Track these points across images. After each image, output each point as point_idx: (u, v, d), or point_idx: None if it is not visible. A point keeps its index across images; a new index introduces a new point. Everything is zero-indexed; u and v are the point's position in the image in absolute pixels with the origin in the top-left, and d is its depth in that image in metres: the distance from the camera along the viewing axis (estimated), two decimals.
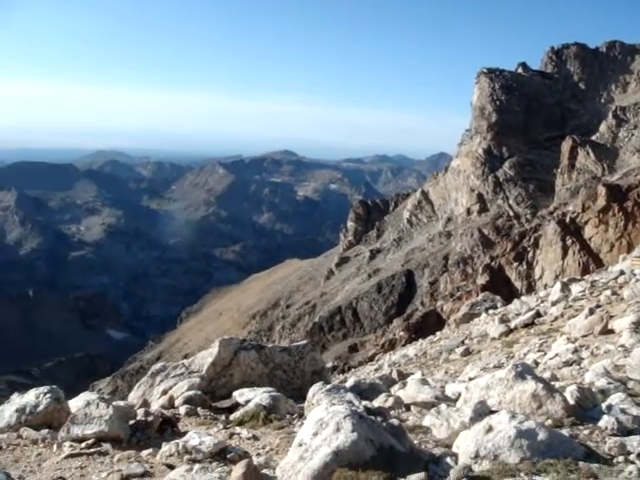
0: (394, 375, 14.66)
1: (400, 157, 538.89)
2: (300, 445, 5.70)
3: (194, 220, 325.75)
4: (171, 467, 6.28)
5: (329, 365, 59.49)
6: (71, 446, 7.06)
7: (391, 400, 9.00)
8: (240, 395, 9.71)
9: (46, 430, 7.78)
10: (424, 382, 10.29)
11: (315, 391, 8.05)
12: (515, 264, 68.40)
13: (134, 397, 11.36)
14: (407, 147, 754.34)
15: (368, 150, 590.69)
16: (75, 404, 8.49)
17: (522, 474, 5.08)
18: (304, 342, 12.88)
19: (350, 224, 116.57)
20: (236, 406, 9.37)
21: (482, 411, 6.71)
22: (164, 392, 10.88)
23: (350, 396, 7.18)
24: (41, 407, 8.17)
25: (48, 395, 8.36)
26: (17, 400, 8.45)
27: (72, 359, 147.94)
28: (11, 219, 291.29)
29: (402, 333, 63.47)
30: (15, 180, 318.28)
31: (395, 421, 6.40)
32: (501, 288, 57.19)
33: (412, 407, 8.80)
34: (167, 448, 6.79)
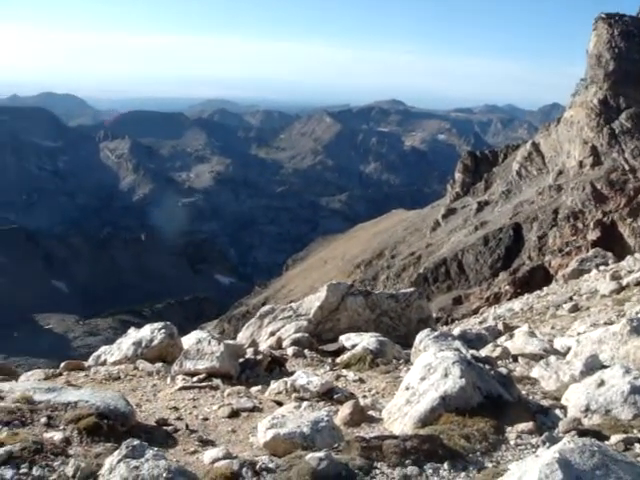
0: (500, 327, 14.50)
1: (510, 107, 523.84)
2: (407, 389, 5.75)
3: (301, 169, 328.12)
4: (279, 404, 6.47)
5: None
6: (184, 379, 7.38)
7: (498, 350, 8.93)
8: (347, 339, 9.84)
9: (160, 363, 8.16)
10: (532, 334, 10.15)
11: (422, 337, 8.06)
12: (629, 220, 66.09)
13: (243, 337, 11.70)
14: (518, 97, 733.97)
15: (478, 100, 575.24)
16: (187, 341, 8.81)
17: (635, 431, 4.97)
18: (411, 289, 12.87)
19: (458, 175, 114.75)
20: (342, 350, 9.50)
21: (593, 365, 6.58)
22: (272, 333, 11.15)
23: (458, 343, 7.15)
24: (156, 342, 8.55)
25: (162, 331, 8.73)
26: (134, 334, 8.87)
27: (181, 301, 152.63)
28: (125, 166, 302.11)
29: (508, 287, 62.71)
30: (129, 129, 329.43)
31: (504, 370, 6.37)
32: (613, 245, 55.38)
33: (519, 358, 8.70)
34: (276, 386, 6.99)
